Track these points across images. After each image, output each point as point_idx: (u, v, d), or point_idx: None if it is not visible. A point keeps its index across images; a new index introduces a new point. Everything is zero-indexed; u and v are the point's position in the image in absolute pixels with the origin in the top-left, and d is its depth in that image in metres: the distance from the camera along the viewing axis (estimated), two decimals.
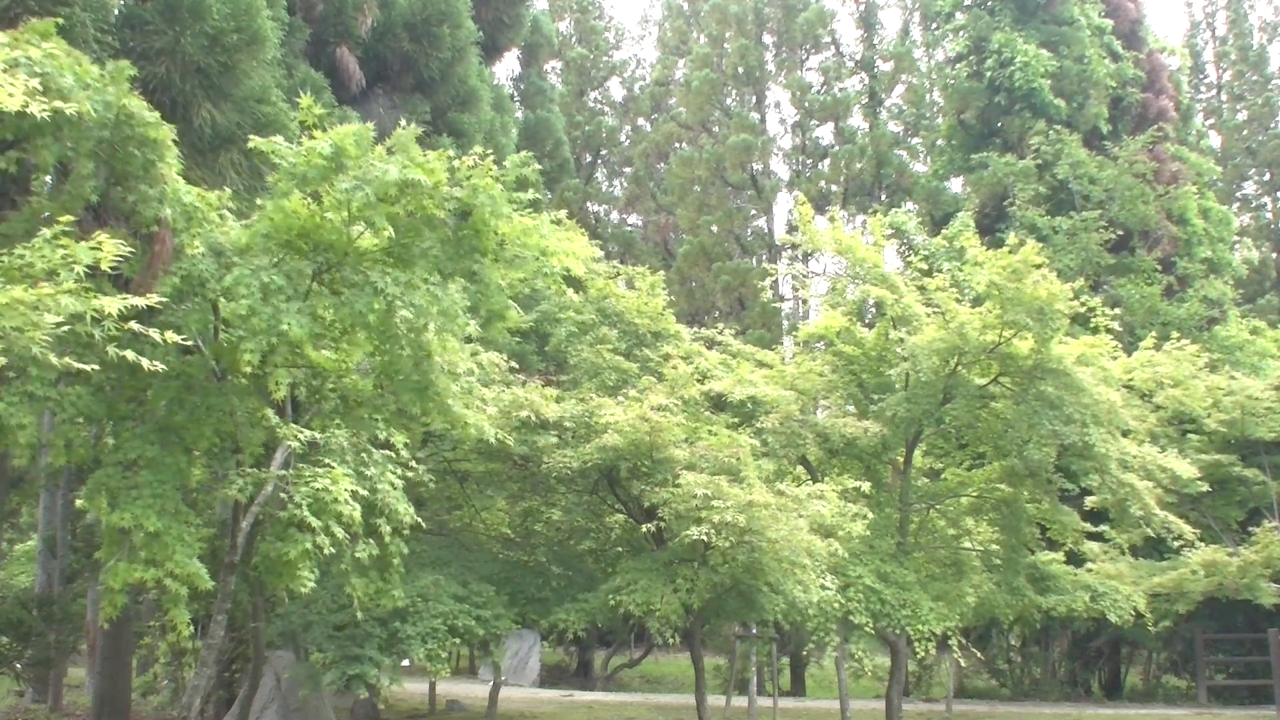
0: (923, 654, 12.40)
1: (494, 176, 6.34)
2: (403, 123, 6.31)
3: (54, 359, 4.67)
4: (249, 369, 5.68)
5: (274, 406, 7.02)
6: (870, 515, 10.85)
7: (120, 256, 4.93)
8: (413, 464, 8.76)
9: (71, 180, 5.60)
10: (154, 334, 5.14)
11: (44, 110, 4.70)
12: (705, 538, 9.06)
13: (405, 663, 10.25)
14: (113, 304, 4.83)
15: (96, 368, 5.12)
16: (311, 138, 5.96)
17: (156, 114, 5.85)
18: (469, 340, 8.04)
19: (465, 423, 7.26)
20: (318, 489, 6.57)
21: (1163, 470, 12.37)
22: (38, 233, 6.08)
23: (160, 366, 5.29)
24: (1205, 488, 14.31)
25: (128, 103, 5.67)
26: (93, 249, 4.81)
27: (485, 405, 9.95)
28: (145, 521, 5.78)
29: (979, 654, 19.60)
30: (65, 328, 4.75)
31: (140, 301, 4.98)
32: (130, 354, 5.03)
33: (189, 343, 6.03)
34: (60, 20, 5.67)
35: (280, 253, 6.01)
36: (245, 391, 6.51)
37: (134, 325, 5.05)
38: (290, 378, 7.24)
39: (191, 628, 6.50)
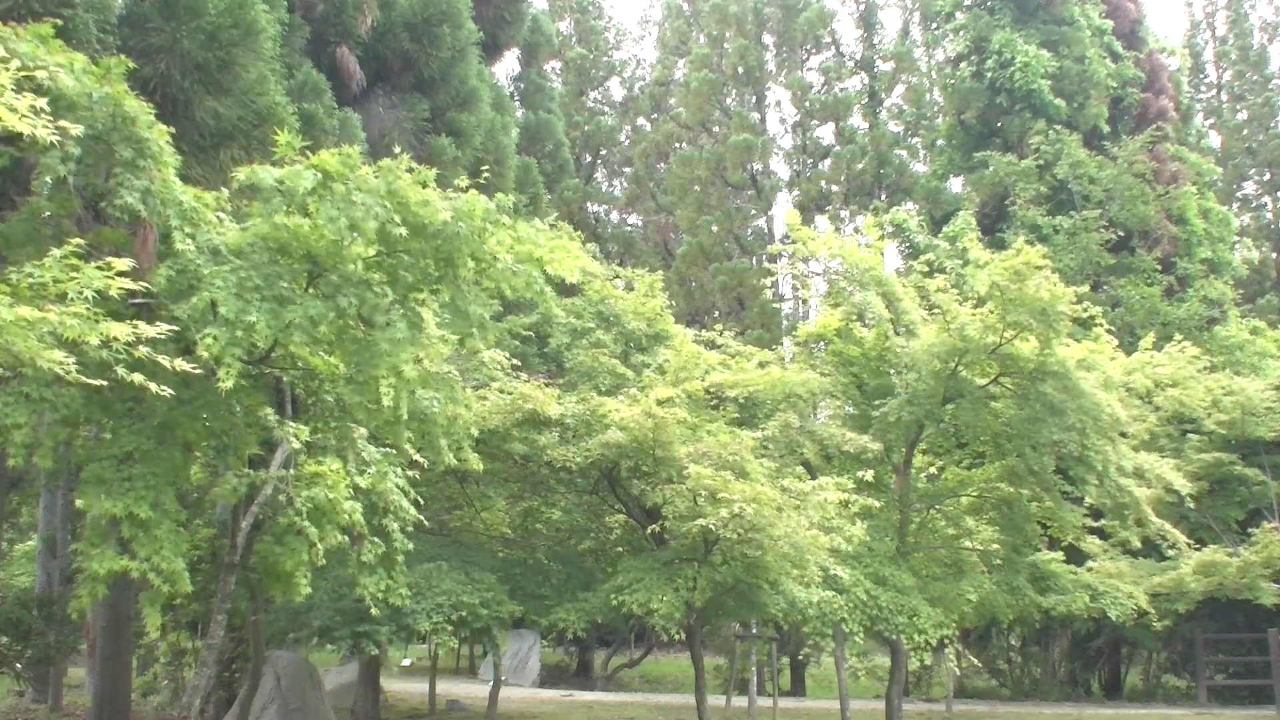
0: (920, 661, 12.39)
1: (484, 211, 6.25)
2: (397, 149, 6.29)
3: (59, 369, 4.65)
4: (205, 354, 5.66)
5: (273, 405, 7.01)
6: (877, 504, 10.83)
7: (129, 287, 4.94)
8: (417, 458, 8.77)
9: (49, 156, 5.56)
10: (164, 360, 5.12)
11: (49, 132, 4.66)
12: (714, 527, 9.03)
13: (407, 662, 10.33)
14: (120, 329, 4.83)
15: (105, 383, 5.10)
16: (293, 163, 5.94)
17: (151, 115, 5.84)
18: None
19: (442, 456, 7.34)
20: (316, 494, 6.56)
21: (1159, 478, 12.39)
22: (39, 234, 6.10)
23: (168, 392, 5.25)
24: (1192, 504, 14.30)
25: (124, 102, 5.67)
26: (103, 273, 4.79)
27: (484, 400, 9.96)
28: (137, 509, 5.77)
29: (974, 660, 19.58)
30: (73, 349, 4.74)
31: (149, 331, 4.95)
32: (138, 377, 4.99)
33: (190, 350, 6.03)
34: (60, 22, 5.66)
35: (273, 256, 6.00)
36: (243, 390, 6.49)
37: (144, 350, 5.01)
38: (288, 379, 7.24)
39: (185, 628, 6.48)
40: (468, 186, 6.24)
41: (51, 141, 4.82)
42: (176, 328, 5.58)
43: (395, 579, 7.78)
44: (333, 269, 6.03)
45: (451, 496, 12.56)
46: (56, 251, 4.82)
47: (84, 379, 4.80)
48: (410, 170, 6.06)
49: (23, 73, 4.85)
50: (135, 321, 4.98)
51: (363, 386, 6.71)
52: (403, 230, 5.83)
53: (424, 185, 6.01)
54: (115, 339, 4.86)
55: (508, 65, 25.14)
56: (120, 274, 4.93)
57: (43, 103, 4.68)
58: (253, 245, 5.98)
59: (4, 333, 4.26)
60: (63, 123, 4.82)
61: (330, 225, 5.70)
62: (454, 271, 6.21)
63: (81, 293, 4.70)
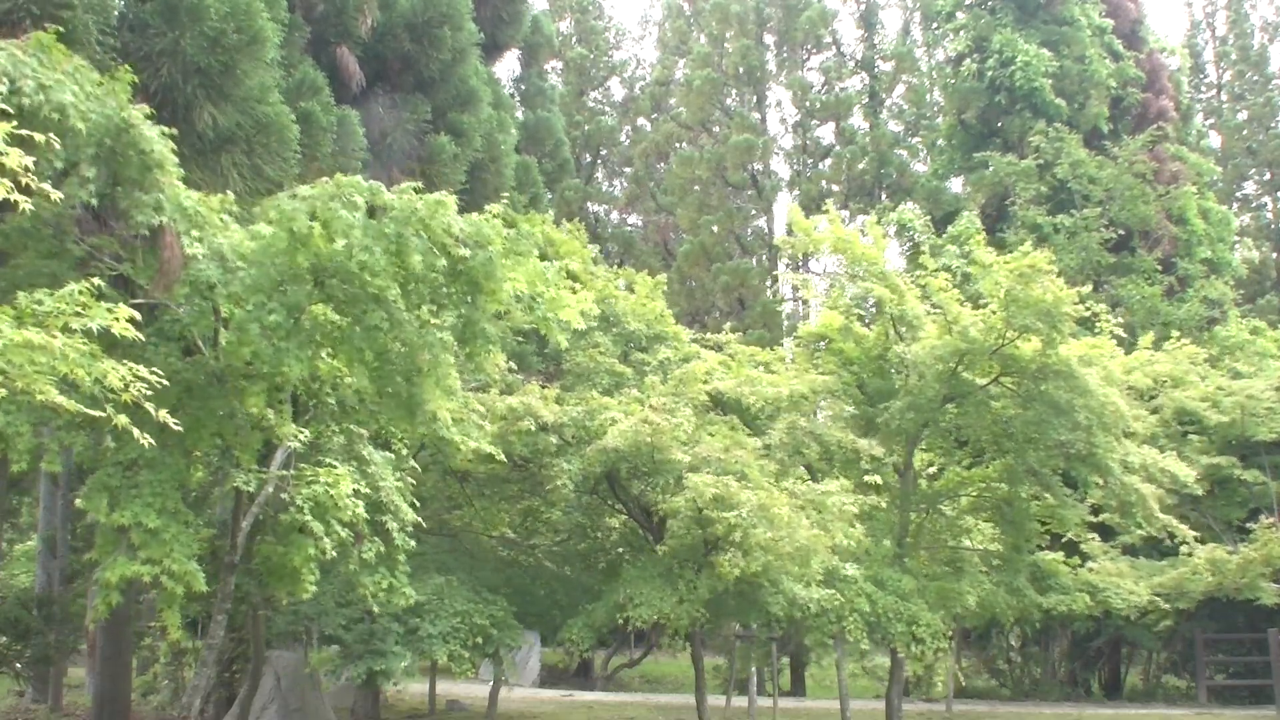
0: (923, 667, 12.40)
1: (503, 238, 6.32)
2: (402, 181, 6.37)
3: (58, 399, 4.66)
4: (255, 410, 5.78)
5: (273, 407, 7.03)
6: (882, 504, 10.82)
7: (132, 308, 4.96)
8: (412, 462, 8.78)
9: (68, 184, 5.58)
10: (150, 408, 5.08)
11: (28, 202, 4.62)
12: (741, 567, 9.02)
13: (406, 664, 10.33)
14: (114, 374, 4.80)
15: (102, 414, 5.09)
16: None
17: (157, 128, 5.86)
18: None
19: (455, 445, 7.33)
20: (318, 491, 6.59)
21: (1164, 472, 12.38)
22: (41, 233, 6.10)
23: (149, 440, 5.17)
24: (1201, 491, 14.30)
25: (127, 114, 5.68)
26: (110, 312, 4.78)
27: (484, 421, 9.96)
28: (145, 518, 5.80)
29: (975, 664, 19.58)
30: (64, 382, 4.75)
31: (146, 375, 4.94)
32: (123, 419, 4.92)
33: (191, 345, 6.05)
34: (62, 29, 5.67)
35: (282, 274, 6.02)
36: (245, 394, 6.51)
37: (135, 392, 4.96)
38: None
39: (185, 628, 6.54)
40: (465, 180, 6.33)
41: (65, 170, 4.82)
42: (166, 379, 5.54)
43: (397, 578, 7.79)
44: (348, 279, 6.08)
45: (452, 496, 12.56)
46: (74, 285, 4.82)
47: (80, 408, 4.80)
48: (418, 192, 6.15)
49: (25, 97, 4.86)
50: (130, 363, 4.95)
51: (392, 396, 6.74)
52: (443, 261, 5.98)
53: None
54: (111, 380, 4.81)
55: (508, 65, 25.17)
56: (131, 298, 4.94)
57: (31, 162, 4.65)
58: (271, 263, 6.01)
59: (5, 355, 4.27)
60: (47, 186, 4.76)
61: (364, 252, 5.78)
62: (475, 295, 6.29)
63: (86, 327, 4.71)
